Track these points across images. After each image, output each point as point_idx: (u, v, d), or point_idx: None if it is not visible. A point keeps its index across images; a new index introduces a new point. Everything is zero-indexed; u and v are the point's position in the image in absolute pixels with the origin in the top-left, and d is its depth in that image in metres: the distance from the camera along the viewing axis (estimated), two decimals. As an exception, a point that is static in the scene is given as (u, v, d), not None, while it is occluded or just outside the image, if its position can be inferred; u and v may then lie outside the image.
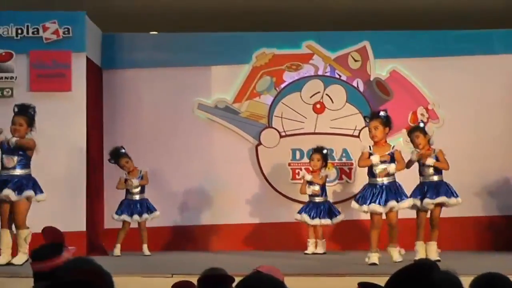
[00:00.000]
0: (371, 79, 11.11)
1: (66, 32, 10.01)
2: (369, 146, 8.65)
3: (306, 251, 10.03)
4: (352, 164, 10.89)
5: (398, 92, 11.04)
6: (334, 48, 11.11)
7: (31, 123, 8.53)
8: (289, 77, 11.13)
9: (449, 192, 8.86)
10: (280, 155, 10.91)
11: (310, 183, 10.18)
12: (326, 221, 10.09)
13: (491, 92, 10.82)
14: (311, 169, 10.29)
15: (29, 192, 8.34)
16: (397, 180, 8.57)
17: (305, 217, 10.04)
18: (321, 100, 11.07)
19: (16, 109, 8.61)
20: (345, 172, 10.94)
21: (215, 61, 11.10)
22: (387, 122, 8.65)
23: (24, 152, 8.45)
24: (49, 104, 9.67)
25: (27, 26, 9.98)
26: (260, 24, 11.54)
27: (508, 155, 10.66)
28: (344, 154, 10.93)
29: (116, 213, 10.00)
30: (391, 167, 8.47)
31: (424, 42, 11.09)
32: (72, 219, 8.78)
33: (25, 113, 8.57)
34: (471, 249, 10.14)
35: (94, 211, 10.22)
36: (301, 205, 10.69)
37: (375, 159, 8.47)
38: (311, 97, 11.07)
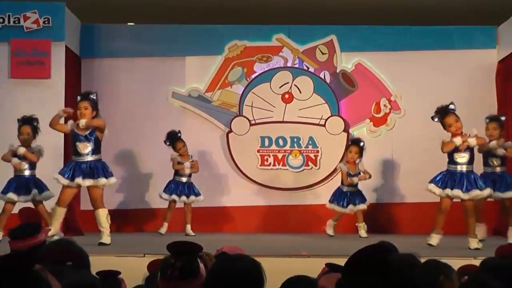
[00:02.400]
0: (337, 71, 11.17)
1: (46, 22, 10.00)
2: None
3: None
4: (318, 151, 10.97)
5: (363, 83, 11.11)
6: (303, 41, 11.17)
7: (95, 106, 8.51)
8: (259, 68, 11.18)
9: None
10: (249, 142, 10.96)
11: (350, 174, 10.12)
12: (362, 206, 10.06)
13: (450, 85, 10.87)
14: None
15: (101, 180, 8.40)
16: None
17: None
18: (289, 91, 11.13)
19: (79, 97, 8.59)
20: (311, 159, 11.01)
21: (189, 52, 11.12)
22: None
23: (96, 139, 8.46)
24: (29, 91, 9.69)
25: (8, 15, 9.97)
26: (233, 17, 11.55)
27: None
28: (310, 142, 10.99)
29: (165, 192, 10.06)
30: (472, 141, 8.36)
31: (388, 37, 11.16)
32: (48, 200, 8.79)
33: (88, 97, 8.55)
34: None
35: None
36: (269, 190, 10.81)
37: (458, 140, 8.29)
38: (280, 87, 11.12)
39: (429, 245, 8.17)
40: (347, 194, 10.07)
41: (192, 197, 10.11)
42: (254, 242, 8.76)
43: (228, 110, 11.09)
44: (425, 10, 11.68)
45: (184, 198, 10.06)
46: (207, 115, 11.07)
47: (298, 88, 11.12)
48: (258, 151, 11.00)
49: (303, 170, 10.98)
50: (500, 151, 9.19)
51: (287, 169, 10.97)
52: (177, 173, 10.16)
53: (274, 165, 10.94)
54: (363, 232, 9.95)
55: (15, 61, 9.97)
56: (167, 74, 11.05)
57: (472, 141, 8.36)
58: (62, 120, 8.72)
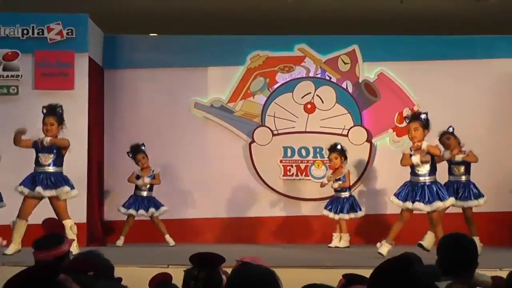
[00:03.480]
0: (360, 81, 11.13)
1: (70, 33, 10.04)
2: (410, 148, 8.57)
3: (329, 245, 10.01)
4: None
5: (385, 93, 11.07)
6: (325, 51, 11.14)
7: (60, 121, 8.51)
8: (281, 78, 11.15)
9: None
10: (272, 152, 10.93)
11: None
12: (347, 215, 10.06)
13: (472, 94, 10.87)
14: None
15: (63, 188, 8.34)
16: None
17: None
18: (312, 101, 11.10)
19: (44, 110, 8.54)
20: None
21: (211, 63, 11.12)
22: (427, 124, 8.61)
23: (58, 150, 8.45)
24: (53, 102, 9.69)
25: (33, 27, 10.01)
26: (255, 28, 11.57)
27: (487, 153, 10.70)
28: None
29: (123, 206, 10.05)
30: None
31: (410, 47, 11.12)
32: (73, 211, 8.77)
33: (54, 112, 8.53)
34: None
35: (94, 204, 10.24)
36: (292, 201, 10.77)
37: (415, 159, 8.40)
38: (302, 97, 11.09)
39: (379, 254, 8.18)
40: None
41: (152, 210, 10.07)
42: (275, 253, 8.72)
43: (251, 120, 11.06)
44: (447, 20, 11.65)
45: (142, 211, 10.04)
46: (229, 126, 11.05)
47: (321, 98, 11.08)
48: (281, 161, 10.97)
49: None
50: (459, 158, 9.32)
51: (310, 180, 10.91)
52: (137, 187, 10.17)
53: (297, 175, 10.90)
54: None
55: (40, 73, 10.00)
56: (189, 85, 11.05)
57: (416, 159, 8.43)
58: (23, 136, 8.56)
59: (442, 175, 9.05)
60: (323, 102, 11.07)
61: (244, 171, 10.98)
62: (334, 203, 10.15)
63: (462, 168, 9.43)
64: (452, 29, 11.45)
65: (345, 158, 10.30)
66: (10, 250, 8.25)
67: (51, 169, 8.42)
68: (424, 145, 8.46)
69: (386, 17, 11.62)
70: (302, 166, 10.92)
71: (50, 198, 8.33)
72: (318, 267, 7.34)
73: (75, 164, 9.28)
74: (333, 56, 11.14)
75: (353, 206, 10.15)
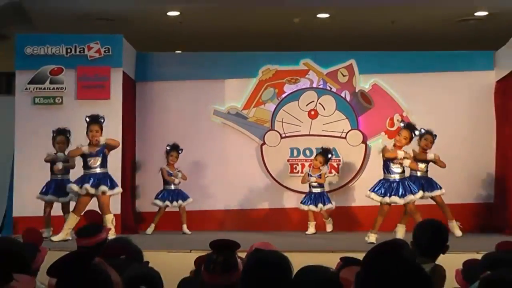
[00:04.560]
0: (356, 90, 11.11)
1: (107, 51, 10.09)
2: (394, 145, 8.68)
3: (307, 232, 10.07)
4: (339, 160, 10.94)
5: (378, 101, 11.05)
6: (326, 65, 11.13)
7: (101, 129, 8.62)
8: (288, 88, 11.16)
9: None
10: (281, 153, 10.95)
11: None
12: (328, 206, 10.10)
13: (454, 103, 10.82)
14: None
15: (105, 187, 8.45)
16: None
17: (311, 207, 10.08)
18: (315, 108, 11.10)
19: (88, 119, 8.64)
20: (334, 167, 10.96)
21: (228, 75, 11.13)
22: (412, 137, 8.76)
23: (104, 153, 8.54)
24: (92, 110, 9.70)
25: (75, 46, 10.07)
26: (266, 45, 11.59)
27: (468, 154, 10.72)
28: (333, 152, 10.97)
29: (156, 198, 10.07)
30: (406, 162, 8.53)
31: (400, 61, 11.08)
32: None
33: (97, 121, 8.64)
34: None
35: (127, 198, 10.28)
36: (297, 194, 10.79)
37: (400, 154, 8.48)
38: (306, 105, 11.10)
39: (370, 243, 8.17)
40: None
41: (180, 202, 10.06)
42: (283, 239, 8.75)
43: (262, 125, 11.09)
44: (433, 37, 11.66)
45: (174, 203, 10.04)
46: (243, 130, 11.07)
47: (322, 106, 11.09)
48: (288, 160, 10.99)
49: (327, 176, 10.93)
50: (430, 157, 9.45)
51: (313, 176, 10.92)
52: (166, 181, 10.15)
53: (302, 172, 10.91)
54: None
55: (81, 85, 10.06)
56: (209, 95, 11.07)
57: (406, 162, 8.53)
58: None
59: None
60: (324, 109, 11.09)
61: (256, 169, 11.00)
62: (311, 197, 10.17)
63: (424, 167, 9.51)
64: (437, 45, 11.45)
65: (326, 162, 10.32)
66: (57, 237, 8.33)
67: (98, 170, 8.50)
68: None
69: (380, 35, 11.64)
70: (307, 164, 10.95)
71: (96, 195, 8.40)
72: (319, 251, 7.37)
73: (111, 163, 9.32)
74: (333, 70, 11.13)
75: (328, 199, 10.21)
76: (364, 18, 11.05)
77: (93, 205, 8.22)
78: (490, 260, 3.96)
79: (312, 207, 10.06)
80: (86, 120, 8.65)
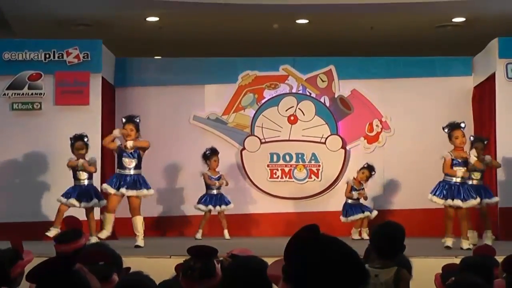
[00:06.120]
0: (336, 96, 11.14)
1: (86, 57, 10.05)
2: (449, 153, 8.54)
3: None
4: (319, 165, 10.95)
5: (358, 107, 11.08)
6: (306, 71, 11.15)
7: (137, 128, 8.66)
8: (268, 94, 11.17)
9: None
10: (260, 158, 10.95)
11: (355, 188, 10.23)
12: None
13: (433, 107, 10.85)
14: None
15: (143, 191, 8.50)
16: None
17: None
18: (294, 113, 11.11)
19: (124, 120, 8.76)
20: (313, 172, 10.98)
21: (207, 81, 11.13)
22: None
23: (139, 155, 8.56)
24: (71, 116, 9.73)
25: (54, 51, 10.01)
26: (245, 51, 11.60)
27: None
28: (313, 158, 10.98)
29: (199, 203, 10.03)
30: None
31: (379, 66, 11.14)
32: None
33: (133, 120, 8.68)
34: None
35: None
36: (277, 199, 10.79)
37: (459, 173, 8.38)
38: (286, 110, 11.11)
39: (447, 248, 8.15)
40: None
41: (223, 206, 10.06)
42: (263, 245, 8.74)
43: (242, 130, 11.09)
44: (411, 43, 11.73)
45: (217, 208, 10.03)
46: (223, 135, 11.06)
47: (302, 111, 11.11)
48: (268, 165, 10.99)
49: (307, 182, 10.97)
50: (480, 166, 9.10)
51: (293, 181, 10.96)
52: (208, 186, 10.12)
53: (281, 177, 10.93)
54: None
55: (59, 91, 10.01)
56: (189, 100, 11.06)
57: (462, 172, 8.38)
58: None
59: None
60: (304, 115, 11.10)
61: (236, 174, 11.00)
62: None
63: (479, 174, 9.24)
64: (415, 51, 11.52)
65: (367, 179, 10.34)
66: (103, 234, 8.38)
67: (133, 171, 8.50)
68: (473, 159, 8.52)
69: (359, 41, 11.69)
70: (286, 169, 10.97)
71: (129, 196, 8.41)
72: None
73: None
74: (313, 75, 11.16)
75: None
76: (343, 24, 11.09)
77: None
78: (467, 264, 4.01)
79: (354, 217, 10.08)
80: (122, 121, 8.79)
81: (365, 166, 10.36)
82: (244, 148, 11.01)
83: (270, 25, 11.19)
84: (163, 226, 10.84)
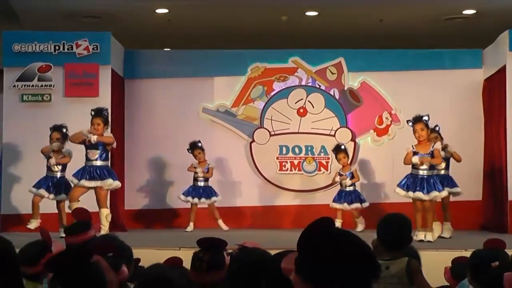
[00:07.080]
0: (345, 88, 11.11)
1: (95, 48, 10.07)
2: (412, 146, 8.63)
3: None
4: (329, 158, 10.92)
5: (367, 99, 11.06)
6: (315, 63, 11.11)
7: (106, 122, 8.66)
8: (277, 86, 11.15)
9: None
10: (269, 150, 10.93)
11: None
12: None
13: (442, 101, 10.82)
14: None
15: (107, 181, 8.52)
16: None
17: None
18: (304, 106, 11.10)
19: (93, 112, 8.72)
20: (323, 165, 10.96)
21: (217, 73, 11.11)
22: (427, 124, 8.65)
23: (103, 146, 8.58)
24: (80, 107, 9.73)
25: (63, 43, 10.04)
26: (255, 43, 11.59)
27: (456, 150, 10.70)
28: (322, 150, 10.95)
29: (183, 194, 10.01)
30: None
31: (389, 59, 11.08)
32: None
33: (101, 114, 8.68)
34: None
35: (116, 195, 10.24)
36: (287, 192, 10.79)
37: (415, 160, 8.47)
38: (295, 103, 11.09)
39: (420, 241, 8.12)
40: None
41: (211, 198, 10.01)
42: (271, 237, 8.73)
43: (251, 122, 11.08)
44: (421, 36, 11.69)
45: (203, 200, 9.97)
46: (232, 127, 11.05)
47: (311, 104, 11.09)
48: (277, 158, 10.97)
49: (316, 174, 10.95)
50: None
51: (302, 174, 10.94)
52: (194, 178, 10.09)
53: (291, 170, 10.92)
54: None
55: (69, 82, 10.04)
56: (198, 92, 11.05)
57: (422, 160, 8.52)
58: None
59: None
60: (313, 107, 11.08)
61: (245, 167, 10.99)
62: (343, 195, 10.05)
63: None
64: (424, 43, 11.49)
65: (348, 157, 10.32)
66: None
67: (98, 163, 8.50)
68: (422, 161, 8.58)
69: (368, 33, 11.67)
70: (296, 162, 10.96)
71: (94, 187, 8.42)
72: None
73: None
74: (322, 67, 11.13)
75: (359, 197, 10.10)
76: (352, 16, 11.07)
77: (87, 199, 8.18)
78: (477, 257, 3.99)
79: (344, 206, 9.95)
80: (90, 114, 8.75)
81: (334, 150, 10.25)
82: (253, 141, 10.99)
83: (279, 17, 11.18)
84: (178, 219, 10.83)
